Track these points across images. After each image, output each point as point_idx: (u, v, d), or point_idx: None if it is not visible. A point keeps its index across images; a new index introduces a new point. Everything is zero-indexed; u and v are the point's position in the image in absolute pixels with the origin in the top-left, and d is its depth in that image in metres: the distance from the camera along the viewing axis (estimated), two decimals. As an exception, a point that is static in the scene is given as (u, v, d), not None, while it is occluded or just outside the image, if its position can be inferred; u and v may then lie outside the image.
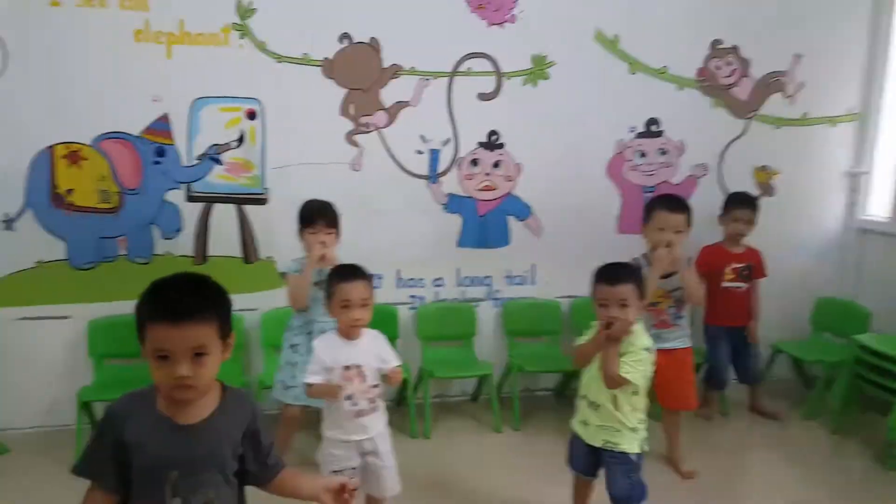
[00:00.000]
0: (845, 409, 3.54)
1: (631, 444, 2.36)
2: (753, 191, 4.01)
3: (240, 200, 3.50)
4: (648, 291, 2.69)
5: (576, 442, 2.48)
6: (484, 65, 3.67)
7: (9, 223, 3.26)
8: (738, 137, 4.03)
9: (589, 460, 2.46)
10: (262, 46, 3.41)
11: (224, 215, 3.49)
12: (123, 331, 2.76)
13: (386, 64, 3.56)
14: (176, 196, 3.43)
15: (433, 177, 3.70)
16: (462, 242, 3.80)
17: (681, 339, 3.08)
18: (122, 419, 1.42)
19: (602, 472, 2.45)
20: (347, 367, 2.29)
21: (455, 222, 3.78)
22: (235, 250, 3.53)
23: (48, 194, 3.28)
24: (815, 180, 4.19)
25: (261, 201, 3.51)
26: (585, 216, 3.89)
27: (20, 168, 3.24)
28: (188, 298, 1.39)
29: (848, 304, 4.02)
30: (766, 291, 3.80)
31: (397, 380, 2.37)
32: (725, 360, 3.72)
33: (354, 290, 2.32)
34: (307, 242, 2.89)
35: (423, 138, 3.65)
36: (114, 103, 3.29)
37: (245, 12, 3.37)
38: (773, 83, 4.02)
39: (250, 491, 1.60)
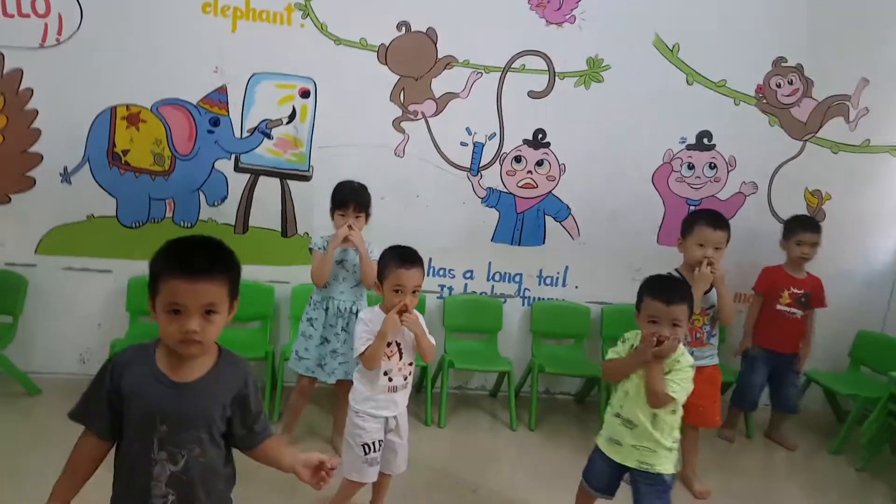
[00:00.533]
0: (875, 446, 3.43)
1: (666, 465, 2.27)
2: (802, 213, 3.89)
3: (284, 175, 3.59)
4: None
5: (599, 459, 2.39)
6: (538, 63, 3.67)
7: (66, 176, 3.43)
8: (792, 158, 3.92)
9: (612, 481, 2.37)
10: (322, 28, 3.48)
11: (268, 188, 3.59)
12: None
13: (441, 54, 3.59)
14: (224, 165, 3.54)
15: (475, 169, 3.73)
16: (497, 237, 3.81)
17: (711, 356, 3.05)
18: (121, 368, 1.48)
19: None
20: (388, 343, 2.34)
21: (492, 217, 3.79)
22: (275, 223, 3.63)
23: (106, 152, 3.43)
24: (869, 209, 4.05)
25: (304, 178, 3.60)
26: (625, 224, 3.86)
27: (84, 124, 3.40)
28: (204, 257, 1.44)
29: (890, 339, 3.89)
30: (807, 318, 3.70)
31: (431, 354, 2.44)
32: (759, 383, 3.63)
33: (410, 277, 2.35)
34: (336, 224, 2.94)
35: (468, 130, 3.68)
36: (176, 71, 3.42)
37: (309, -7, 3.45)
38: (834, 106, 3.90)
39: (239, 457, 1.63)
